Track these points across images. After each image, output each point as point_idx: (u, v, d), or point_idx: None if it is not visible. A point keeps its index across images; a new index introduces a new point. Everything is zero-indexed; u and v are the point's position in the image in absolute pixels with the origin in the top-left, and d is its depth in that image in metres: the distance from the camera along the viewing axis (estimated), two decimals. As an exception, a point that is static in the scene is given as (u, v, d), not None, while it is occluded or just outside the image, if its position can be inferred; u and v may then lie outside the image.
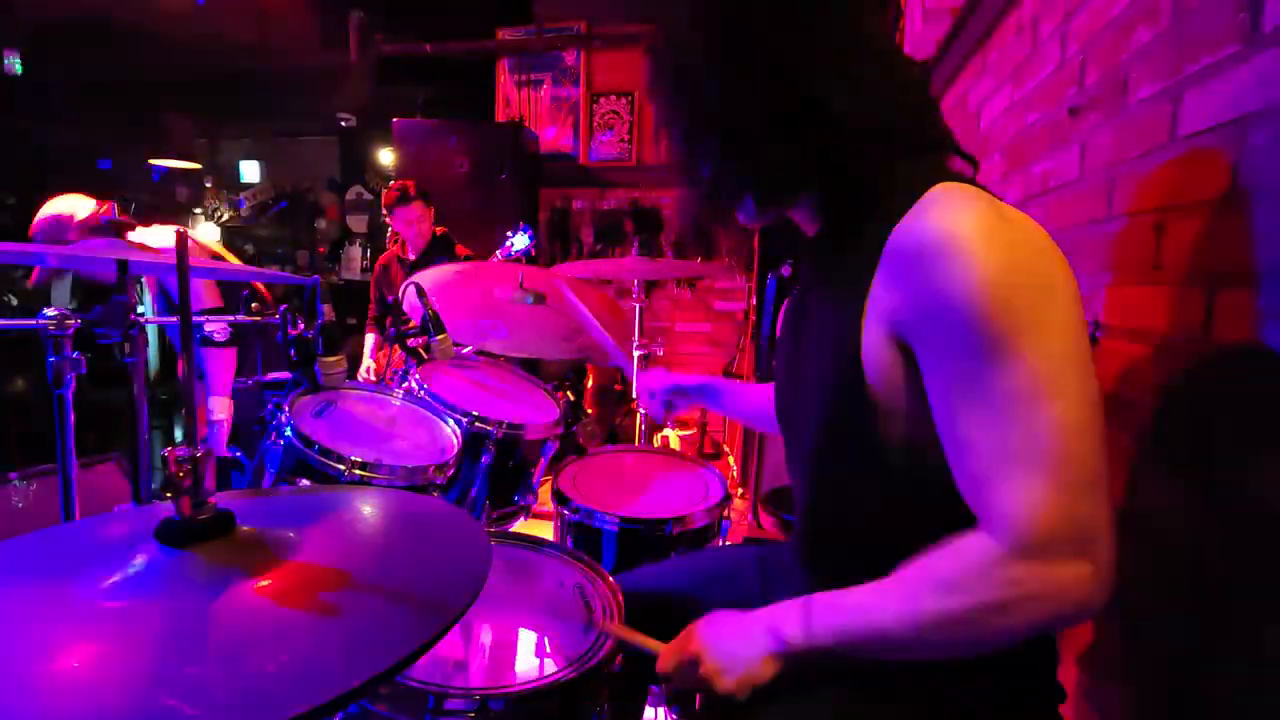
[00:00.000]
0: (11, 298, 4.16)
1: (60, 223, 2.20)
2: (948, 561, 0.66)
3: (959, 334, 0.63)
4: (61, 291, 2.54)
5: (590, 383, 4.30)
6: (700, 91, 0.77)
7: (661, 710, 1.36)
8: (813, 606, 0.74)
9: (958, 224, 0.64)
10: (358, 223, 6.05)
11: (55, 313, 1.06)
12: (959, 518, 0.67)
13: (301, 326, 1.27)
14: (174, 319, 1.74)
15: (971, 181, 0.72)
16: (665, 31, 0.82)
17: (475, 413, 1.52)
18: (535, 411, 1.76)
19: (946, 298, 0.63)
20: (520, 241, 2.97)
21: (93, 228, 2.18)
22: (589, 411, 4.02)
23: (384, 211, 3.26)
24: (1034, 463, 0.62)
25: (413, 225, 3.18)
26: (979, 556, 0.64)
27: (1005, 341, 0.62)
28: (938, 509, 0.70)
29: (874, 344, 0.71)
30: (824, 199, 0.81)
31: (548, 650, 1.06)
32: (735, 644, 0.77)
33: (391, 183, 3.31)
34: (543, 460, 1.70)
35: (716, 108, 0.76)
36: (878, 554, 0.71)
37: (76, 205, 2.25)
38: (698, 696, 1.35)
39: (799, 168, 0.76)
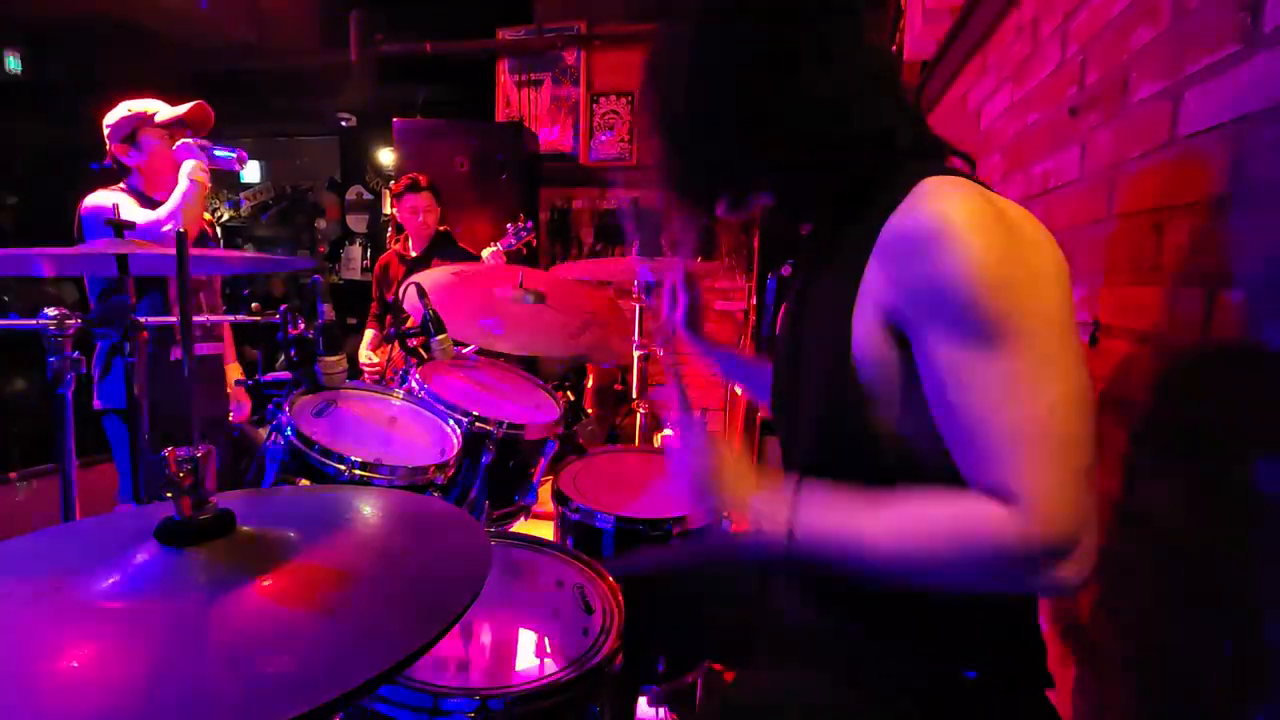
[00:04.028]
0: (5, 297, 4.15)
1: (135, 119, 2.05)
2: (949, 511, 0.67)
3: (956, 318, 0.64)
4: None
5: (590, 383, 4.30)
6: (680, 96, 0.78)
7: (662, 710, 1.36)
8: (803, 504, 0.75)
9: (951, 210, 0.65)
10: (358, 223, 6.05)
11: (55, 313, 1.06)
12: None
13: (301, 326, 1.27)
14: (174, 319, 1.74)
15: (968, 178, 0.73)
16: (660, 31, 0.82)
17: (475, 413, 1.52)
18: (535, 411, 1.75)
19: (942, 282, 0.64)
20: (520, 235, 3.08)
21: (169, 127, 2.05)
22: (589, 411, 4.02)
23: (392, 199, 3.28)
24: (1037, 442, 0.63)
25: (418, 214, 3.19)
26: (981, 517, 0.65)
27: (1002, 325, 0.63)
28: None
29: (866, 334, 0.72)
30: (813, 201, 0.82)
31: (548, 650, 1.06)
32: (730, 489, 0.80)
33: (402, 175, 3.34)
34: (543, 460, 1.70)
35: (696, 111, 0.77)
36: None
37: (154, 105, 2.08)
38: (698, 695, 1.35)
39: (780, 175, 0.77)
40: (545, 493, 1.67)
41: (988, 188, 0.72)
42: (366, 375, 3.25)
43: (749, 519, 0.77)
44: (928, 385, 0.69)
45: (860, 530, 0.71)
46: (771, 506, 0.76)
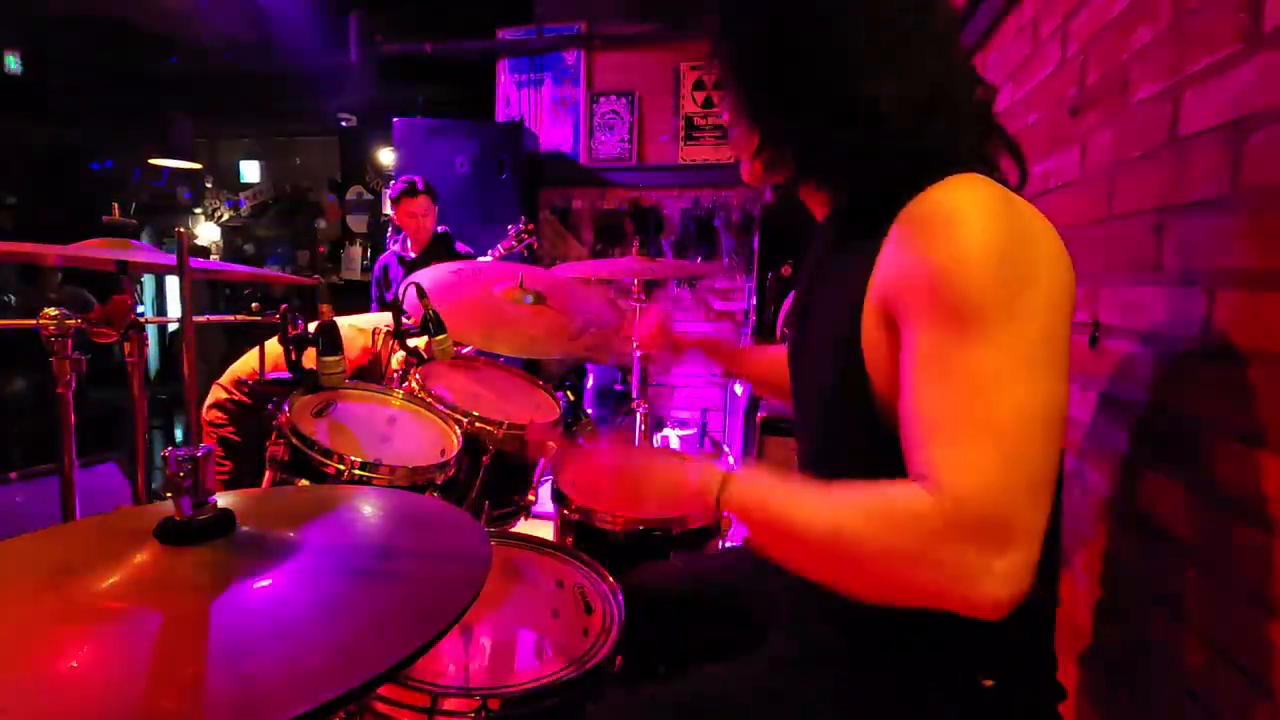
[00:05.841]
0: (10, 297, 4.15)
1: None
2: (879, 495, 0.65)
3: (937, 301, 0.63)
4: None
5: (590, 383, 4.29)
6: (750, 64, 0.78)
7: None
8: (741, 476, 0.75)
9: (962, 201, 0.65)
10: (358, 223, 6.05)
11: (55, 313, 1.06)
12: None
13: (301, 326, 1.27)
14: (173, 319, 1.74)
15: (1006, 184, 0.71)
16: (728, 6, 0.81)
17: (475, 413, 1.52)
18: (535, 411, 1.75)
19: (936, 265, 0.63)
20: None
21: None
22: (589, 412, 4.02)
23: (390, 203, 3.28)
24: (984, 435, 0.61)
25: (416, 218, 3.20)
26: (908, 501, 0.63)
27: (981, 319, 0.61)
28: None
29: (872, 325, 0.71)
30: (851, 185, 0.80)
31: (548, 650, 1.06)
32: (664, 480, 0.80)
33: (400, 176, 3.34)
34: (543, 460, 1.70)
35: (764, 81, 0.77)
36: None
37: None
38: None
39: (840, 153, 0.76)
40: (545, 493, 1.67)
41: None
42: None
43: (687, 486, 0.77)
44: (901, 371, 0.67)
45: (789, 507, 0.70)
46: (705, 474, 0.76)
